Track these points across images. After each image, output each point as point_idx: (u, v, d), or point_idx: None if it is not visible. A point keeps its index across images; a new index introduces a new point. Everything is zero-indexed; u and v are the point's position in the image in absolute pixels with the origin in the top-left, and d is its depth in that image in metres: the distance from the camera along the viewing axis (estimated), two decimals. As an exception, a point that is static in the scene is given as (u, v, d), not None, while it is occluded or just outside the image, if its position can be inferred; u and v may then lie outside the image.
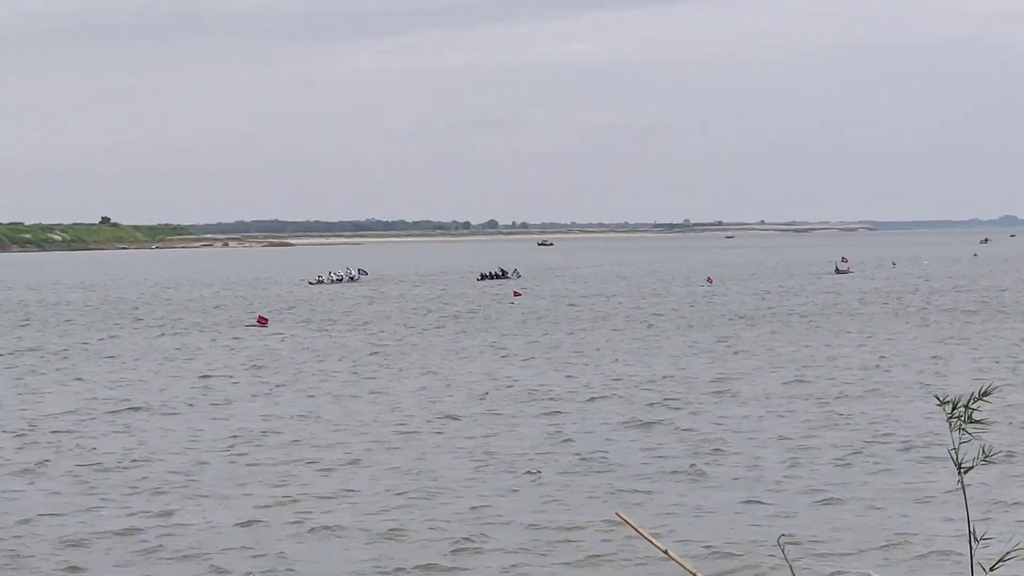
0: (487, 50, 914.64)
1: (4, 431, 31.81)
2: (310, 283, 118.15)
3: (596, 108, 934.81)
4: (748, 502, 22.49)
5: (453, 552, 19.49)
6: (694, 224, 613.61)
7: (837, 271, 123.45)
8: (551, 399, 36.26)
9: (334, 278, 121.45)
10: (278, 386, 40.19)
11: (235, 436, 30.41)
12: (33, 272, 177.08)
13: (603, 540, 19.60)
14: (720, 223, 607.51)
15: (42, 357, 51.94)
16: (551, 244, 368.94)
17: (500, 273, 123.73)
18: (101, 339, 60.01)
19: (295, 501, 23.01)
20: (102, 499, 23.62)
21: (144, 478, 25.53)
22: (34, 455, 28.27)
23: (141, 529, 21.13)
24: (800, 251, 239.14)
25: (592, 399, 36.12)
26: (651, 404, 34.80)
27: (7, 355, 52.80)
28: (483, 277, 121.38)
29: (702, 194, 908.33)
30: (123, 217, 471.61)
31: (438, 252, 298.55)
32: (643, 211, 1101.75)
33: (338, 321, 69.96)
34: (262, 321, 65.83)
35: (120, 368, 46.56)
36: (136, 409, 35.17)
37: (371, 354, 50.51)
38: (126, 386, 40.76)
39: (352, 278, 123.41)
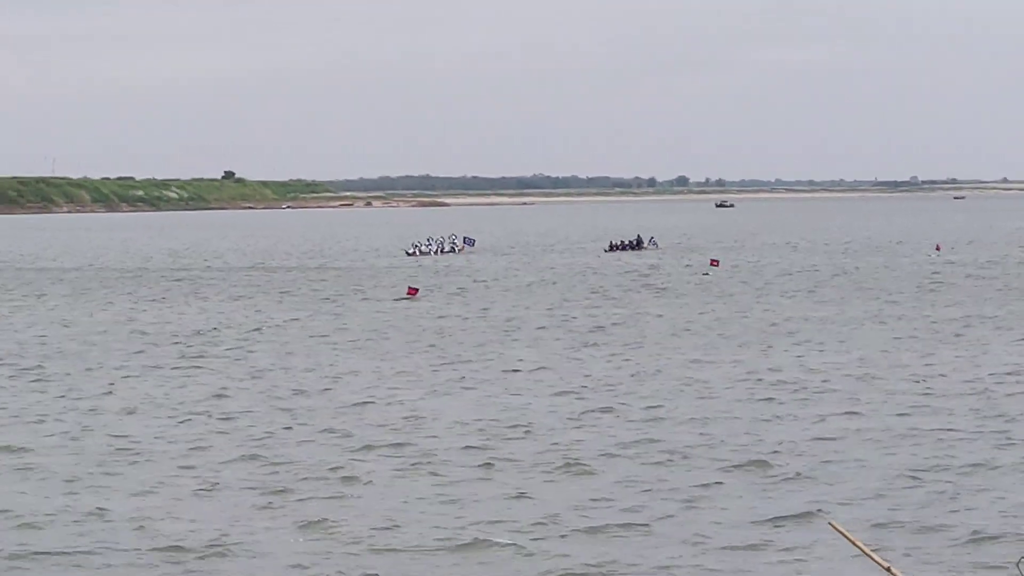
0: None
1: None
2: (407, 253, 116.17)
3: (808, 44, 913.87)
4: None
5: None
6: (923, 182, 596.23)
7: None
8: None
9: (432, 248, 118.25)
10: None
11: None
12: (166, 235, 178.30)
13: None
14: (954, 180, 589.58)
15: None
16: (731, 206, 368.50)
17: (634, 243, 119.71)
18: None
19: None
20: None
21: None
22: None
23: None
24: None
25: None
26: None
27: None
28: (612, 248, 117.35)
29: (933, 146, 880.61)
30: (249, 172, 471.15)
31: (603, 214, 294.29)
32: (863, 166, 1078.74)
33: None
34: (411, 292, 69.99)
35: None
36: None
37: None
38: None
39: (455, 248, 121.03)
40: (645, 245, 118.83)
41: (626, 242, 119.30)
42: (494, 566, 20.64)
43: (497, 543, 21.47)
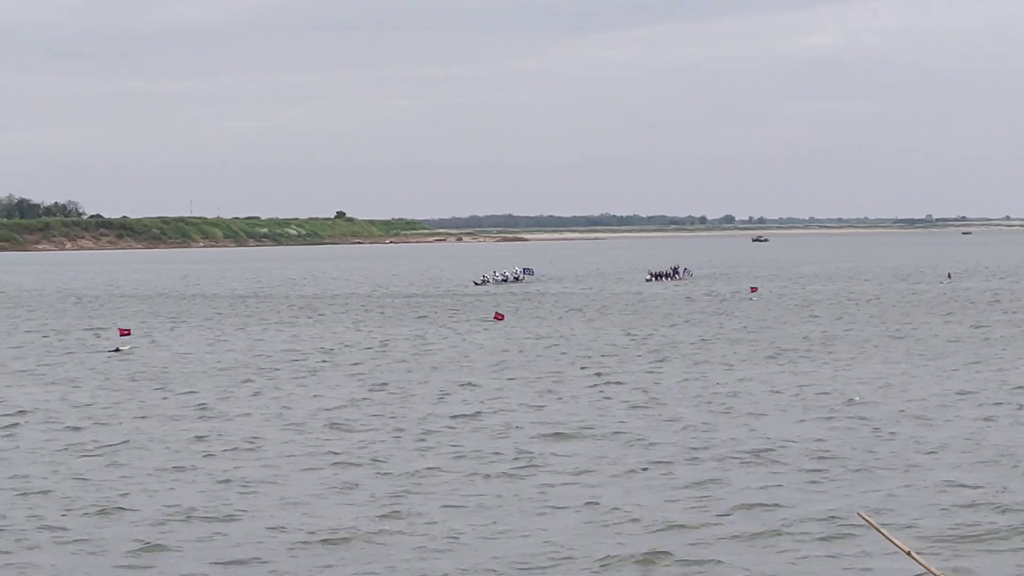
0: (723, 43, 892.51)
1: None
2: (475, 283, 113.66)
3: (836, 101, 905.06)
4: None
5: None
6: (936, 219, 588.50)
7: None
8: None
9: (499, 278, 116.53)
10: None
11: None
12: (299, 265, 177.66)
13: None
14: (964, 218, 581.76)
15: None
16: (766, 240, 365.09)
17: (671, 273, 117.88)
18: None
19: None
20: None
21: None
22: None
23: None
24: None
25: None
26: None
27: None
28: (652, 277, 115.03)
29: (945, 188, 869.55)
30: (357, 211, 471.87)
31: (660, 247, 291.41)
32: (884, 206, 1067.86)
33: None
34: (498, 317, 68.54)
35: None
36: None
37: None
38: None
39: (517, 278, 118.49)
40: (680, 275, 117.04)
41: (664, 272, 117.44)
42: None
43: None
